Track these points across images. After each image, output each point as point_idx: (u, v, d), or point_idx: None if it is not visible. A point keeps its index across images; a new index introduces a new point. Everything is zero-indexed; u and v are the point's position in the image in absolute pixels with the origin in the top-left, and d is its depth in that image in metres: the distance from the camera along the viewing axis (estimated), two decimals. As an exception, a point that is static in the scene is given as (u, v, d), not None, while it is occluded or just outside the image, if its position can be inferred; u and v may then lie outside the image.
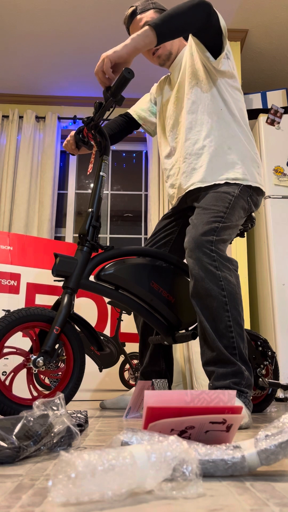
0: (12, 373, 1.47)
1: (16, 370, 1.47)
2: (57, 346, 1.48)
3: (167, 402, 0.81)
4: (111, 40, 3.46)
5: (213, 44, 1.60)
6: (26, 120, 3.89)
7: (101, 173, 1.66)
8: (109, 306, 2.82)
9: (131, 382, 2.71)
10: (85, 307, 2.70)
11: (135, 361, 2.75)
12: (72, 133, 1.84)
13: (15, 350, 1.47)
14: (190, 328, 1.74)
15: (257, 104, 3.51)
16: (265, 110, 3.42)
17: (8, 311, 2.48)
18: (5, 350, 1.46)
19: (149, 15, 1.78)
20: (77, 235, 4.04)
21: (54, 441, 0.85)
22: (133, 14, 1.80)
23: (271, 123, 3.22)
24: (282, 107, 3.29)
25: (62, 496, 0.52)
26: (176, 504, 0.55)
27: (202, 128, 1.68)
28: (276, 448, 0.67)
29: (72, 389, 1.52)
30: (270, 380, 1.81)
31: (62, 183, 4.13)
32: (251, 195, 1.67)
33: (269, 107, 3.40)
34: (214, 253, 1.47)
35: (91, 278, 2.62)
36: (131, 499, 0.56)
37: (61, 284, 2.67)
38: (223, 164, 1.64)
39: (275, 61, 3.74)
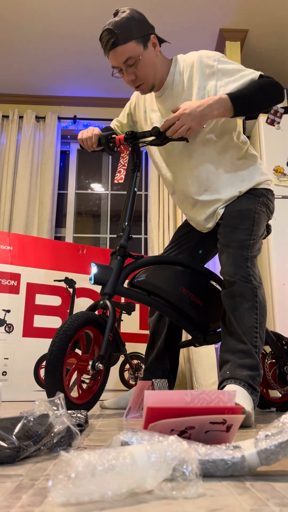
0: (69, 372, 1.54)
1: (73, 370, 1.53)
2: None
3: (167, 403, 0.81)
4: (111, 40, 3.46)
5: None
6: (26, 120, 3.89)
7: (134, 189, 1.77)
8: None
9: (131, 382, 2.71)
10: (85, 307, 2.69)
11: (135, 361, 2.75)
12: (94, 130, 1.79)
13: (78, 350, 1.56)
14: (218, 330, 1.83)
15: (257, 104, 3.51)
16: (265, 110, 3.42)
17: (8, 311, 2.48)
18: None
19: (131, 49, 1.59)
20: (77, 235, 4.06)
21: (54, 441, 0.85)
22: (114, 44, 1.57)
23: (271, 123, 3.22)
24: (282, 107, 3.29)
25: (62, 496, 0.52)
26: (176, 504, 0.55)
27: (216, 178, 1.72)
28: (276, 448, 0.67)
29: (99, 390, 1.58)
30: None
31: (62, 183, 4.13)
32: (269, 206, 1.76)
33: (269, 107, 3.40)
34: (249, 268, 1.57)
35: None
36: (131, 499, 0.56)
37: (60, 284, 2.68)
38: (235, 193, 1.73)
39: (275, 61, 3.74)
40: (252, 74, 1.61)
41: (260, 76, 1.61)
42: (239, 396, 1.36)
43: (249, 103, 1.56)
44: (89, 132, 1.79)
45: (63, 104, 4.11)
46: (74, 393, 1.56)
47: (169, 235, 3.68)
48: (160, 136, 1.63)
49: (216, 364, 3.11)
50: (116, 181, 1.71)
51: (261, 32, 3.42)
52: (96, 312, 1.64)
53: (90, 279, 1.63)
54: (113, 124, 2.02)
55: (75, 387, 1.58)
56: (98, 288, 2.78)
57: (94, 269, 1.63)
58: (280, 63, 3.76)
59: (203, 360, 3.03)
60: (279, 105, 3.38)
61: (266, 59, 3.70)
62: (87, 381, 1.61)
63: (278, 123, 3.21)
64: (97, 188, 4.29)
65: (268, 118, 3.22)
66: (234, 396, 0.86)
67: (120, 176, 1.71)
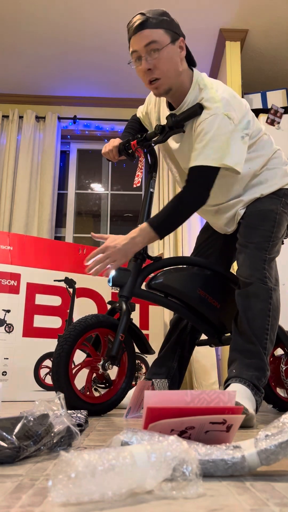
0: (79, 366, 1.57)
1: (83, 366, 1.58)
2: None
3: (167, 403, 0.81)
4: (111, 41, 3.46)
5: None
6: (26, 120, 3.89)
7: (151, 190, 1.78)
8: (109, 306, 2.82)
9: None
10: (85, 307, 2.70)
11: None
12: (114, 142, 1.83)
13: (88, 346, 1.61)
14: None
15: (257, 104, 3.50)
16: (265, 110, 3.42)
17: (8, 311, 2.48)
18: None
19: (158, 34, 1.53)
20: (77, 235, 4.05)
21: (54, 441, 0.85)
22: (142, 25, 1.52)
23: (271, 123, 3.22)
24: (282, 107, 3.29)
25: (62, 496, 0.53)
26: (176, 504, 0.55)
27: (237, 190, 1.70)
28: (276, 448, 0.67)
29: (122, 391, 1.63)
30: None
31: (62, 183, 4.12)
32: None
33: (269, 107, 3.40)
34: (265, 270, 1.57)
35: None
36: (131, 499, 0.56)
37: (60, 284, 2.68)
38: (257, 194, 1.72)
39: (275, 61, 3.74)
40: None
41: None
42: (243, 395, 1.36)
43: (170, 225, 1.60)
44: (110, 145, 1.83)
45: (63, 104, 4.11)
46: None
47: (169, 235, 3.68)
48: (163, 132, 1.65)
49: (216, 364, 3.11)
50: (134, 185, 1.73)
51: (261, 32, 3.42)
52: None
53: (108, 281, 1.65)
54: (138, 113, 1.97)
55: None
56: (98, 289, 2.78)
57: (112, 271, 1.65)
58: (280, 63, 3.75)
59: (203, 360, 3.03)
60: (279, 105, 3.38)
61: (266, 59, 3.70)
62: (100, 389, 1.64)
63: (278, 123, 3.21)
64: (97, 188, 4.29)
65: (268, 118, 3.22)
66: (234, 396, 0.86)
67: (138, 180, 1.74)
